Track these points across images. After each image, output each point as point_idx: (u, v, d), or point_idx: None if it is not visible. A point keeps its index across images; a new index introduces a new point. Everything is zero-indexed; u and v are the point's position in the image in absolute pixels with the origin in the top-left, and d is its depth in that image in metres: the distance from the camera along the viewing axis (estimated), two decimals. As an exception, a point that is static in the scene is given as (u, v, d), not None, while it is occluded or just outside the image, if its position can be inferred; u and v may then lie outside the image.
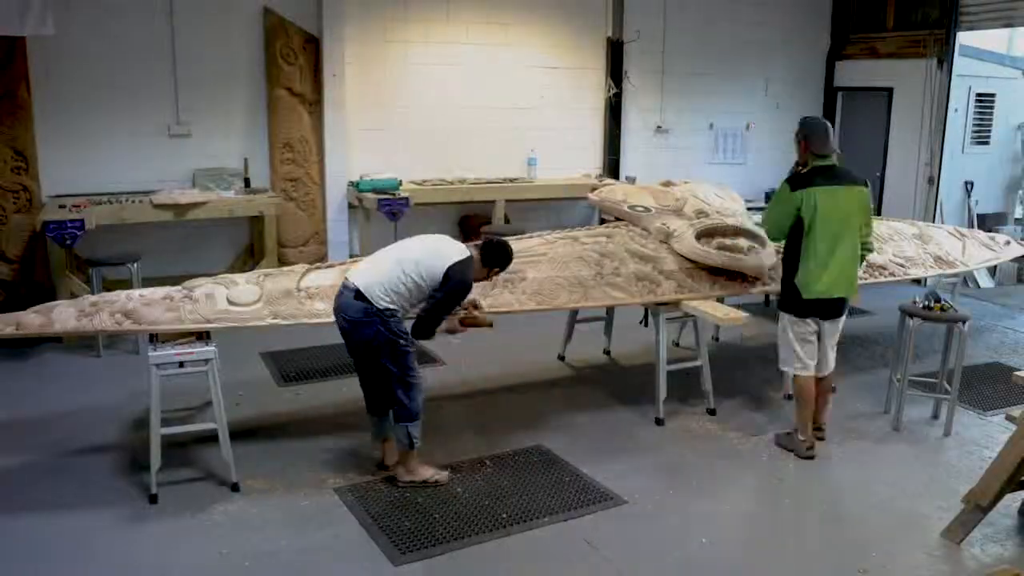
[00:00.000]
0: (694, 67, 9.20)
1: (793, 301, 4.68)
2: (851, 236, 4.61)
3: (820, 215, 4.51)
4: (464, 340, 6.32)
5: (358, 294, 4.08)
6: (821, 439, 4.91)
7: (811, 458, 4.70)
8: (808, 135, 4.72)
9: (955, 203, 9.07)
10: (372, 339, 4.11)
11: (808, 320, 4.68)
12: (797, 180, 4.63)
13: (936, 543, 3.90)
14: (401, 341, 4.14)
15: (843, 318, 4.79)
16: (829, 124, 4.79)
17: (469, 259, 4.18)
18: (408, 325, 4.18)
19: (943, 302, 5.11)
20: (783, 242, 4.76)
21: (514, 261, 4.96)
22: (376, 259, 4.27)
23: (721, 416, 5.27)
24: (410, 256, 4.17)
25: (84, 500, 4.10)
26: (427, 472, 4.34)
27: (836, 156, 4.71)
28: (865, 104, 9.62)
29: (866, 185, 4.79)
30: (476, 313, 4.48)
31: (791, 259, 4.67)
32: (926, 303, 5.11)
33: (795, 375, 4.78)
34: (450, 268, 4.09)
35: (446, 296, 4.12)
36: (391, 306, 4.09)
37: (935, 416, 5.31)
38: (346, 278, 4.21)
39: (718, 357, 5.98)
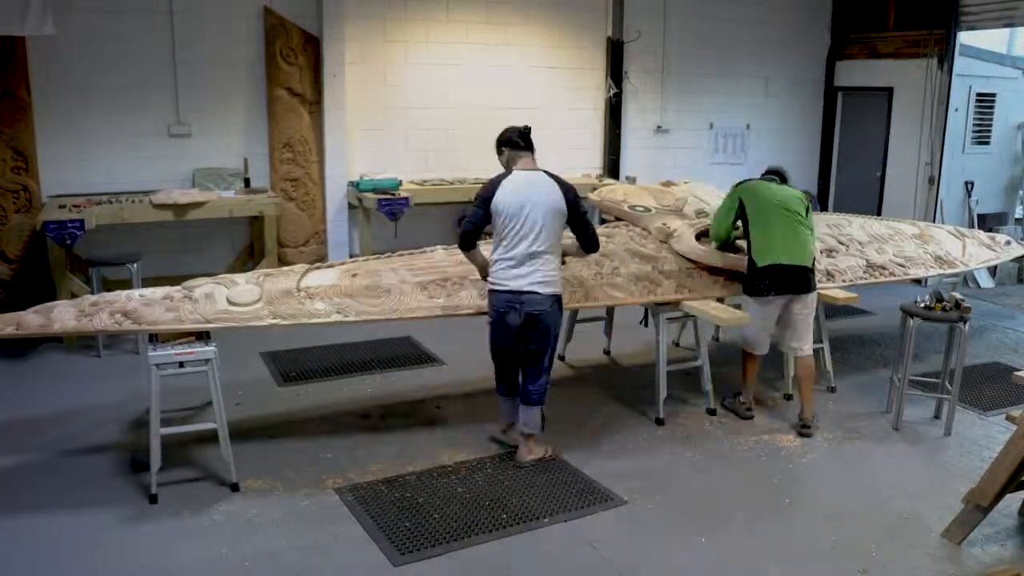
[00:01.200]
0: (694, 67, 9.20)
1: (754, 281, 5.00)
2: (795, 218, 4.96)
3: (759, 202, 4.99)
4: (464, 340, 6.37)
5: (540, 296, 4.30)
6: (806, 435, 4.98)
7: (750, 419, 5.21)
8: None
9: (955, 203, 9.07)
10: (556, 323, 4.43)
11: (769, 301, 5.00)
12: (736, 185, 5.21)
13: (936, 543, 3.90)
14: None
15: (806, 296, 4.99)
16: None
17: (545, 173, 4.46)
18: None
19: (945, 301, 5.10)
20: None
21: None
22: (521, 247, 4.30)
23: (721, 416, 5.27)
24: (549, 218, 4.30)
25: (84, 500, 4.10)
26: (541, 450, 4.62)
27: (776, 175, 5.24)
28: (865, 104, 9.63)
29: (805, 194, 5.21)
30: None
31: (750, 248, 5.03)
32: (928, 303, 5.11)
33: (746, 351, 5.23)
34: (569, 197, 4.36)
35: (583, 208, 4.45)
36: (561, 285, 4.45)
37: (935, 416, 5.31)
38: (517, 288, 4.30)
39: (718, 357, 5.98)
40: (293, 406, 5.31)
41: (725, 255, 5.20)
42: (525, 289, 4.31)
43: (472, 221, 4.41)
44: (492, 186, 4.40)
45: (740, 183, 5.19)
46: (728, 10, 9.23)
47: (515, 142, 4.56)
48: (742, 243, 5.14)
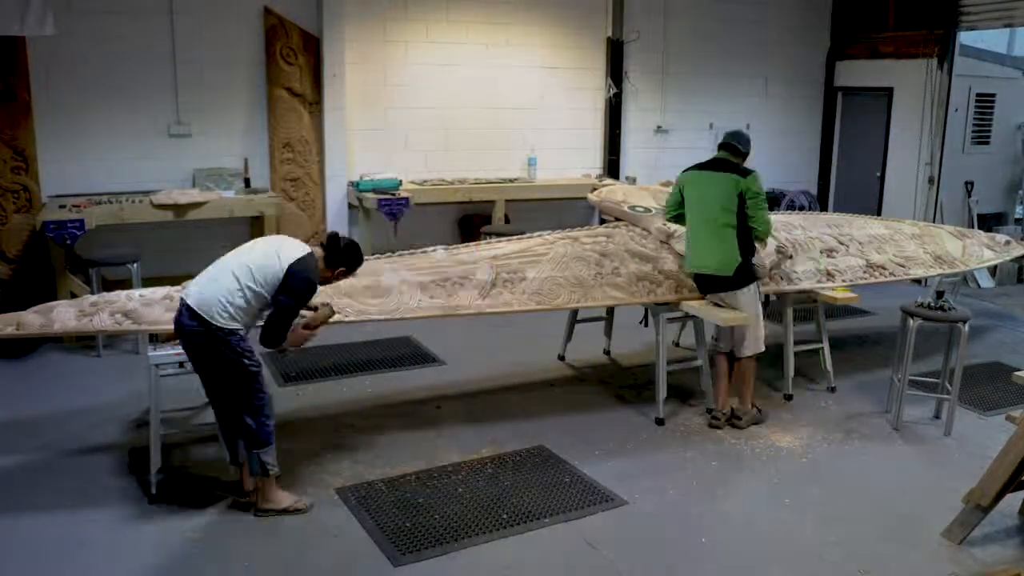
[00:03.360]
0: (694, 67, 9.21)
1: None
2: (712, 217, 4.88)
3: (686, 199, 5.02)
4: (464, 340, 6.38)
5: (192, 312, 3.73)
6: (715, 426, 5.07)
7: (717, 427, 5.10)
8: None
9: (955, 203, 9.08)
10: (215, 360, 3.78)
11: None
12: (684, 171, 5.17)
13: (936, 543, 3.90)
14: (245, 361, 3.78)
15: (729, 295, 4.94)
16: (735, 132, 5.32)
17: (311, 256, 3.83)
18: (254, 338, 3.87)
19: (944, 300, 5.11)
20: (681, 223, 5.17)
21: (514, 261, 4.99)
22: (213, 270, 3.87)
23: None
24: (244, 261, 3.79)
25: (84, 500, 4.10)
26: (287, 499, 4.02)
27: (727, 150, 5.12)
28: (865, 104, 9.63)
29: (742, 175, 4.96)
30: (312, 314, 4.03)
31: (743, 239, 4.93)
32: (930, 303, 5.10)
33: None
34: (291, 267, 3.73)
35: (290, 297, 3.75)
36: (231, 324, 3.72)
37: (935, 416, 5.31)
38: (184, 293, 3.89)
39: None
40: (293, 406, 5.31)
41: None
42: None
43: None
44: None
45: (685, 170, 5.15)
46: (728, 10, 9.24)
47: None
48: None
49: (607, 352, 6.40)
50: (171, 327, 4.20)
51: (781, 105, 9.76)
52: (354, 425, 5.05)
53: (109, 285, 5.99)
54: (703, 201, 4.94)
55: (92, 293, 5.49)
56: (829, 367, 5.72)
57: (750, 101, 9.58)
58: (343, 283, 4.60)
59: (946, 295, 5.22)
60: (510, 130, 8.41)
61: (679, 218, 5.12)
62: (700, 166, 5.08)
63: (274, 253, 3.80)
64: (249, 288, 3.74)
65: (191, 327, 3.76)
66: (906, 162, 9.06)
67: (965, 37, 8.61)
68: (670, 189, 6.05)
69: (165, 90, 7.06)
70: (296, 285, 3.76)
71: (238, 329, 3.77)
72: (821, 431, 5.08)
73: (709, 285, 5.01)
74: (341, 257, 4.00)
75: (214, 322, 3.72)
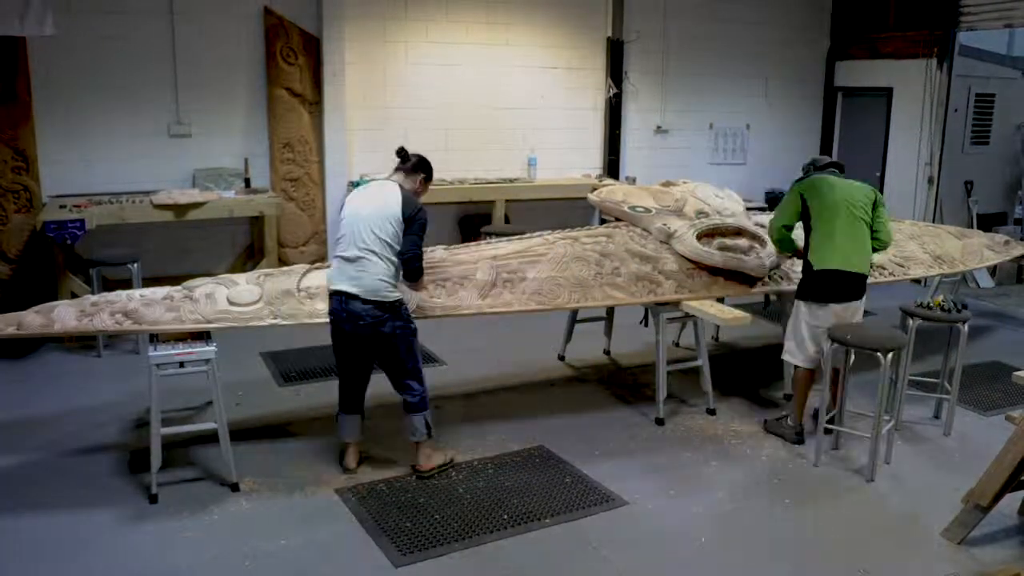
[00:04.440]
0: (694, 67, 9.20)
1: (810, 284, 4.80)
2: (858, 221, 4.75)
3: (823, 201, 4.77)
4: (464, 340, 6.38)
5: (364, 300, 4.08)
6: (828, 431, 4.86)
7: (800, 443, 4.88)
8: (814, 164, 5.10)
9: (955, 203, 9.08)
10: (390, 336, 4.16)
11: (826, 305, 4.74)
12: (799, 180, 4.99)
13: (936, 543, 3.91)
14: (412, 326, 4.26)
15: (856, 303, 4.80)
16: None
17: (405, 192, 4.25)
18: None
19: (944, 302, 5.11)
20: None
21: (514, 261, 4.99)
22: (345, 254, 4.16)
23: (721, 416, 5.27)
24: (372, 232, 4.10)
25: (84, 500, 4.10)
26: (442, 456, 4.47)
27: (836, 167, 5.06)
28: (865, 104, 9.63)
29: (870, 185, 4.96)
30: None
31: (807, 247, 4.87)
32: (929, 303, 5.10)
33: (795, 365, 4.93)
34: (406, 207, 4.16)
35: (420, 230, 4.20)
36: (396, 293, 4.15)
37: (935, 416, 5.31)
38: (336, 289, 4.14)
39: (718, 357, 5.98)
40: (293, 406, 5.31)
41: (725, 255, 5.20)
42: (348, 291, 4.12)
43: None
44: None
45: (801, 179, 4.95)
46: (728, 10, 9.23)
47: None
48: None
49: (607, 352, 6.40)
50: (171, 327, 4.21)
51: (781, 105, 9.76)
52: (354, 425, 5.05)
53: (109, 285, 5.99)
54: (851, 199, 4.74)
55: (92, 293, 5.49)
56: (829, 367, 5.71)
57: (750, 101, 9.58)
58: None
59: (946, 296, 5.21)
60: (510, 130, 8.41)
61: (789, 228, 4.91)
62: (823, 172, 4.93)
63: (386, 203, 4.15)
64: (390, 255, 4.12)
65: (370, 314, 4.09)
66: (906, 162, 9.05)
67: (965, 37, 8.60)
68: (670, 189, 6.07)
69: (165, 90, 7.05)
70: (420, 221, 4.20)
71: (401, 296, 4.20)
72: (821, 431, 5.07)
73: (846, 288, 4.73)
74: (419, 169, 4.47)
75: (387, 299, 4.11)
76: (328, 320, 4.28)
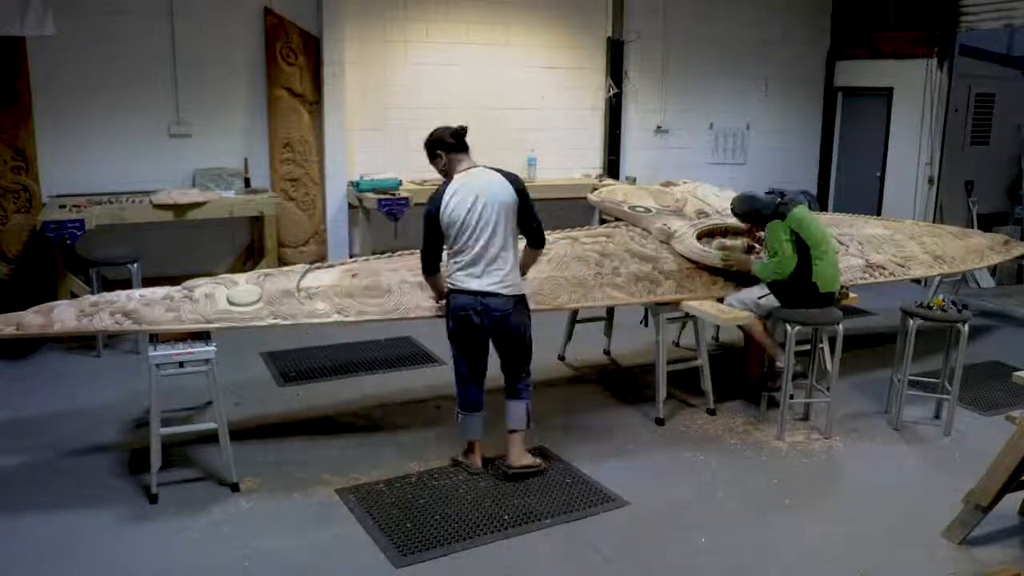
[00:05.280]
0: (694, 67, 9.20)
1: (806, 299, 5.04)
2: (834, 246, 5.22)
3: (814, 230, 5.02)
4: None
5: (505, 298, 4.15)
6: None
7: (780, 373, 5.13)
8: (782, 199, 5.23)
9: (955, 203, 9.07)
10: (521, 324, 4.27)
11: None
12: (776, 213, 5.08)
13: (936, 543, 3.90)
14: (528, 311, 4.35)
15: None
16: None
17: (501, 171, 4.27)
18: None
19: (944, 302, 5.11)
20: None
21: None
22: (487, 255, 4.11)
23: (721, 416, 5.27)
24: (500, 221, 4.11)
25: (84, 500, 4.10)
26: (531, 458, 4.47)
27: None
28: (865, 104, 9.62)
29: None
30: None
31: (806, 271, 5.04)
32: (930, 304, 5.11)
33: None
34: (516, 183, 4.24)
35: (532, 203, 4.26)
36: (523, 285, 4.29)
37: (935, 416, 5.31)
38: (472, 289, 4.12)
39: (718, 357, 5.98)
40: (293, 406, 5.31)
41: (725, 255, 5.20)
42: (487, 290, 4.14)
43: (427, 243, 4.22)
44: (436, 199, 4.18)
45: (783, 215, 5.00)
46: (728, 10, 9.23)
47: (448, 143, 4.32)
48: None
49: (607, 352, 6.40)
50: (171, 327, 4.21)
51: (781, 105, 9.76)
52: (354, 425, 5.05)
53: (109, 285, 5.99)
54: (826, 232, 5.17)
55: (92, 293, 5.49)
56: (829, 367, 5.71)
57: (750, 101, 9.58)
58: (343, 283, 4.61)
59: (946, 296, 5.22)
60: (510, 130, 8.40)
61: (793, 258, 5.03)
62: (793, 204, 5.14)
63: (498, 198, 4.12)
64: (515, 243, 4.20)
65: (504, 307, 4.15)
66: (906, 162, 9.05)
67: (965, 37, 8.60)
68: (670, 189, 6.08)
69: (165, 90, 7.05)
70: (527, 194, 4.25)
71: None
72: (821, 431, 5.08)
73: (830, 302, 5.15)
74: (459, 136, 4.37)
75: (522, 290, 4.25)
76: (454, 318, 4.23)
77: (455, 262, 4.18)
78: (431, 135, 4.39)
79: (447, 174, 4.28)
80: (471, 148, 4.37)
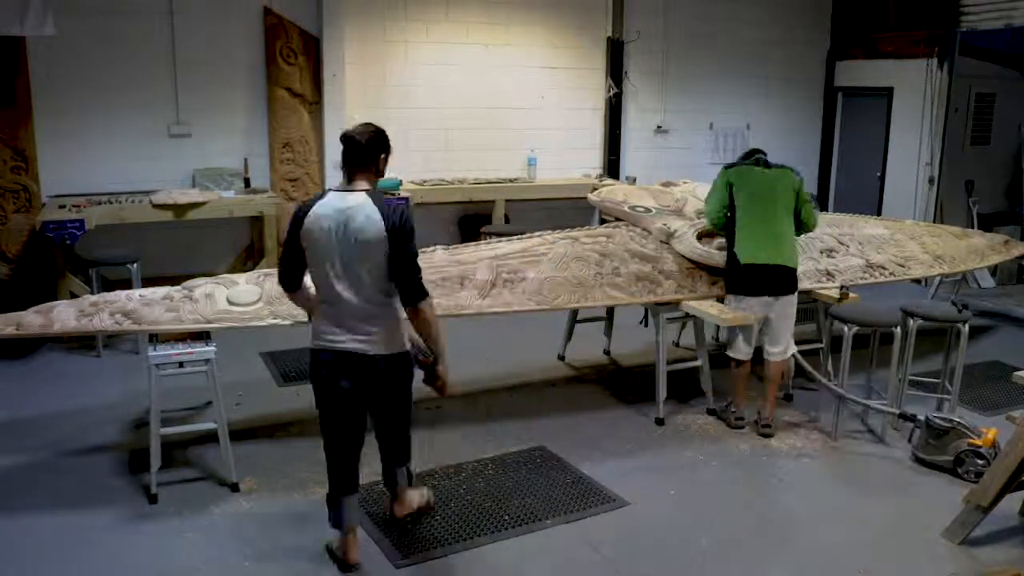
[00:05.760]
0: (694, 67, 9.20)
1: (738, 277, 4.89)
2: (781, 211, 4.87)
3: (747, 190, 4.85)
4: (464, 340, 6.35)
5: (371, 358, 3.35)
6: (767, 435, 4.97)
7: (740, 428, 5.05)
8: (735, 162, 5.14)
9: (955, 203, 9.07)
10: (403, 383, 3.50)
11: (750, 299, 4.85)
12: (728, 165, 5.08)
13: (936, 543, 3.90)
14: (413, 367, 3.50)
15: (792, 297, 4.92)
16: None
17: (379, 193, 3.40)
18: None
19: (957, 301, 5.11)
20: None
21: (514, 261, 4.99)
22: (339, 304, 3.31)
23: (721, 416, 5.27)
24: (356, 260, 3.26)
25: (84, 500, 4.10)
26: (418, 494, 3.96)
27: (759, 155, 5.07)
28: (865, 104, 9.62)
29: (793, 171, 5.03)
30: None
31: (731, 236, 4.93)
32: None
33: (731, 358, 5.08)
34: (388, 222, 3.24)
35: (410, 242, 3.31)
36: (406, 341, 3.44)
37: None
38: (330, 347, 3.35)
39: (718, 357, 5.97)
40: (293, 406, 5.31)
41: (725, 255, 5.20)
42: (350, 349, 3.34)
43: (282, 260, 3.45)
44: (300, 212, 3.34)
45: (729, 166, 5.06)
46: (728, 10, 9.23)
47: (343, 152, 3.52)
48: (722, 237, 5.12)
49: (607, 352, 6.39)
50: (171, 327, 4.21)
51: (781, 105, 9.76)
52: (354, 425, 5.04)
53: (109, 285, 5.99)
54: (773, 189, 4.87)
55: (92, 293, 5.49)
56: (829, 367, 5.72)
57: (750, 101, 9.58)
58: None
59: (950, 297, 5.22)
60: (510, 130, 8.41)
61: (725, 219, 4.94)
62: (746, 163, 5.01)
63: (362, 229, 3.23)
64: (382, 277, 3.31)
65: (377, 364, 3.37)
66: (906, 162, 9.05)
67: (965, 37, 8.60)
68: (670, 189, 6.07)
69: (165, 90, 7.05)
70: (406, 227, 3.30)
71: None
72: (821, 431, 5.08)
73: (772, 283, 4.81)
74: (383, 145, 3.65)
75: (402, 348, 3.42)
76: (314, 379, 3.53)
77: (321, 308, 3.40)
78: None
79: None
80: (367, 162, 3.57)
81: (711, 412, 5.29)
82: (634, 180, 8.51)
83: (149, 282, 5.51)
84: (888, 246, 6.14)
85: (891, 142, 9.23)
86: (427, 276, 4.72)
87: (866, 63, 9.47)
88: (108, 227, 6.41)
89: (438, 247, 5.13)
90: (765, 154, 5.08)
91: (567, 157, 8.75)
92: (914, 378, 5.22)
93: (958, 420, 4.56)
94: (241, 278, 4.63)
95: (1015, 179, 9.55)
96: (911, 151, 8.98)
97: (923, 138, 8.82)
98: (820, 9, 9.77)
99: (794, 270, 4.91)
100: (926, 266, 6.19)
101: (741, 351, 5.04)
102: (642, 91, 8.97)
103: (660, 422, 5.13)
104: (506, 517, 4.03)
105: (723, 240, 5.40)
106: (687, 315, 5.24)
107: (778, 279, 4.84)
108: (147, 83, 6.98)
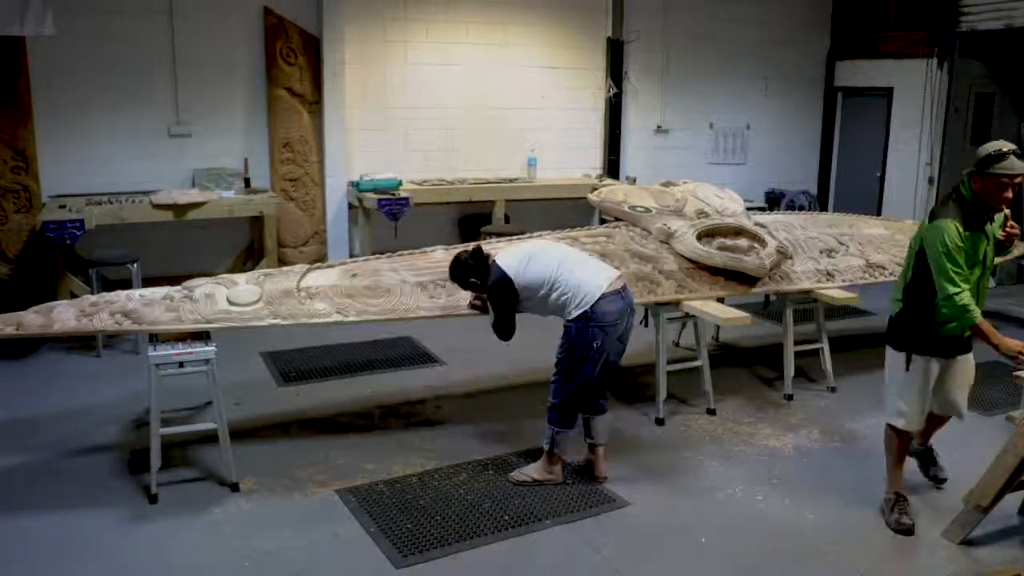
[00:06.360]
0: (694, 67, 9.21)
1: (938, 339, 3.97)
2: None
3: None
4: (464, 340, 6.37)
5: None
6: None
7: (908, 532, 3.96)
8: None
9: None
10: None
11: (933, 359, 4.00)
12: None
13: (936, 543, 3.90)
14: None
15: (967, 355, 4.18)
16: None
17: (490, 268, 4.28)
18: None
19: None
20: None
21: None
22: (589, 262, 4.39)
23: (721, 416, 5.27)
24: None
25: (84, 500, 4.10)
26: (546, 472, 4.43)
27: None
28: (865, 104, 9.62)
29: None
30: None
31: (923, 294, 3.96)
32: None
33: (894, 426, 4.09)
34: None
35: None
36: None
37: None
38: (613, 287, 4.17)
39: (718, 357, 5.97)
40: (293, 406, 5.31)
41: (725, 255, 5.20)
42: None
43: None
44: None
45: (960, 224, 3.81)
46: (728, 10, 9.23)
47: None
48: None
49: (607, 352, 6.38)
50: (171, 327, 4.21)
51: (781, 105, 9.76)
52: (354, 425, 5.05)
53: (109, 285, 5.99)
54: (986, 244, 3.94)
55: (92, 293, 5.49)
56: (829, 367, 5.72)
57: (750, 101, 9.58)
58: (343, 283, 4.61)
59: None
60: (510, 130, 8.41)
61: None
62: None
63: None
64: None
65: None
66: (906, 162, 9.05)
67: (965, 37, 8.60)
68: (670, 189, 6.07)
69: (165, 90, 7.06)
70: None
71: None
72: (821, 431, 5.08)
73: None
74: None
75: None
76: (598, 326, 4.08)
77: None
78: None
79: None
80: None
81: (711, 412, 5.29)
82: (634, 180, 8.52)
83: (149, 282, 5.52)
84: (888, 246, 6.14)
85: (891, 142, 9.24)
86: (427, 276, 4.77)
87: (866, 63, 9.47)
88: (108, 227, 6.41)
89: (438, 247, 5.13)
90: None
91: (567, 157, 8.75)
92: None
93: None
94: (241, 278, 4.63)
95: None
96: (911, 151, 8.98)
97: (923, 138, 8.83)
98: (820, 9, 9.78)
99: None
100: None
101: (915, 421, 4.03)
102: (642, 91, 8.97)
103: (660, 422, 5.12)
104: (506, 517, 4.03)
105: (724, 240, 5.40)
106: (687, 315, 5.24)
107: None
108: (147, 83, 6.99)
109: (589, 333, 4.09)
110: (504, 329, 4.33)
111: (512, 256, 4.27)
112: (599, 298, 4.11)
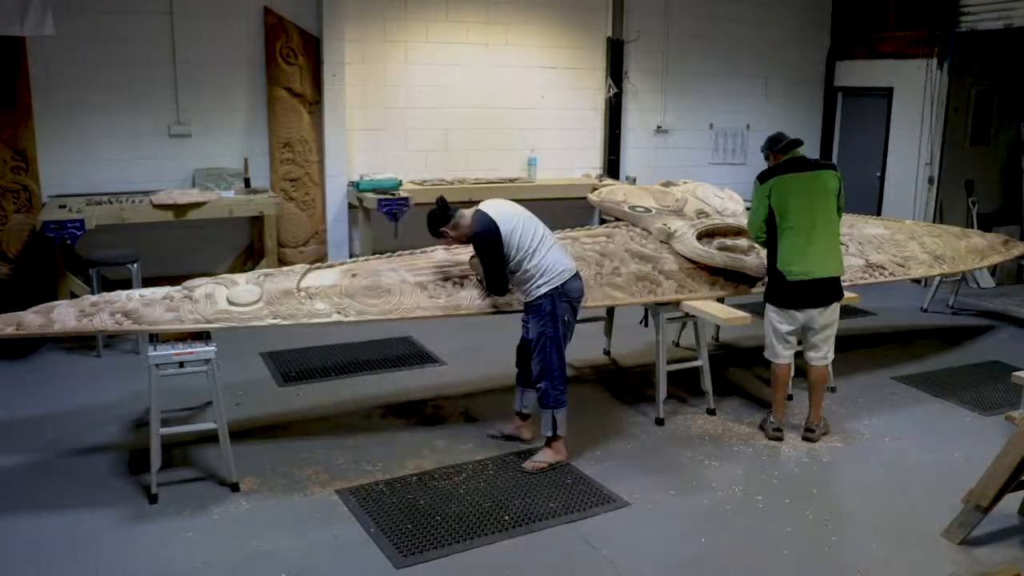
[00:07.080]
0: (694, 67, 9.20)
1: (776, 289, 4.80)
2: (827, 218, 4.73)
3: (789, 201, 4.66)
4: (464, 340, 6.38)
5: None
6: (811, 439, 4.91)
7: (778, 439, 4.91)
8: (771, 146, 4.95)
9: (955, 203, 9.07)
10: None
11: (790, 311, 4.77)
12: (764, 174, 4.84)
13: (936, 543, 3.90)
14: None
15: (837, 304, 4.82)
16: (784, 133, 5.02)
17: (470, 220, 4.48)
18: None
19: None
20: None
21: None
22: (558, 245, 4.58)
23: (721, 416, 5.27)
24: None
25: (84, 500, 4.10)
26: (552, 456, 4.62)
27: (800, 149, 4.88)
28: (865, 104, 9.62)
29: (833, 169, 4.87)
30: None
31: (772, 249, 4.80)
32: None
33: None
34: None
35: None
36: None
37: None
38: (576, 270, 4.54)
39: (718, 357, 5.97)
40: (293, 406, 5.31)
41: (725, 255, 5.20)
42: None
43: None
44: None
45: (765, 175, 4.77)
46: (728, 10, 9.23)
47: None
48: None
49: (607, 352, 6.40)
50: (171, 327, 4.21)
51: (781, 105, 9.76)
52: (354, 425, 5.05)
53: (109, 285, 5.99)
54: (821, 193, 4.68)
55: (92, 293, 5.49)
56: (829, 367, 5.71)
57: (750, 101, 9.58)
58: (343, 283, 4.61)
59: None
60: (510, 130, 8.41)
61: (768, 233, 4.74)
62: (790, 168, 4.73)
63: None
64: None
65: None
66: (906, 162, 9.05)
67: (965, 37, 8.60)
68: (670, 189, 6.07)
69: (165, 90, 7.06)
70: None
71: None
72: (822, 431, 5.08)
73: (820, 295, 4.69)
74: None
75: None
76: (567, 301, 4.47)
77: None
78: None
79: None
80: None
81: (711, 412, 5.29)
82: (634, 180, 8.52)
83: (149, 282, 5.52)
84: (888, 246, 6.14)
85: (891, 142, 9.23)
86: (427, 276, 4.77)
87: (866, 63, 9.47)
88: (108, 227, 6.41)
89: (438, 247, 5.13)
90: (802, 143, 4.89)
91: (567, 157, 8.75)
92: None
93: None
94: (241, 278, 4.62)
95: (1015, 180, 9.55)
96: (911, 151, 8.98)
97: (923, 138, 8.82)
98: (820, 9, 9.78)
99: (839, 278, 4.80)
100: (926, 266, 6.19)
101: (780, 355, 4.92)
102: (642, 91, 8.97)
103: (660, 422, 5.13)
104: (506, 517, 4.03)
105: (724, 240, 5.41)
106: (687, 315, 5.24)
107: (825, 290, 4.73)
108: (147, 83, 6.98)
109: (560, 308, 4.42)
110: (496, 283, 4.53)
111: (500, 211, 4.48)
112: (572, 276, 4.46)
